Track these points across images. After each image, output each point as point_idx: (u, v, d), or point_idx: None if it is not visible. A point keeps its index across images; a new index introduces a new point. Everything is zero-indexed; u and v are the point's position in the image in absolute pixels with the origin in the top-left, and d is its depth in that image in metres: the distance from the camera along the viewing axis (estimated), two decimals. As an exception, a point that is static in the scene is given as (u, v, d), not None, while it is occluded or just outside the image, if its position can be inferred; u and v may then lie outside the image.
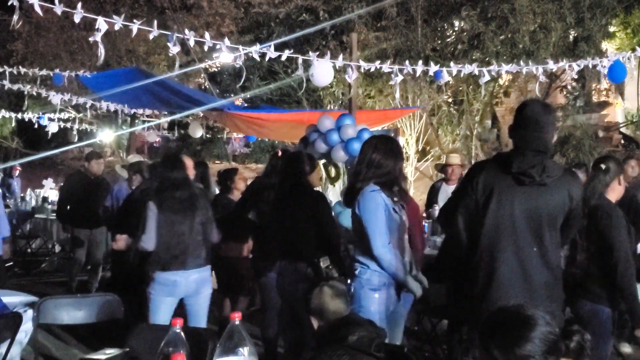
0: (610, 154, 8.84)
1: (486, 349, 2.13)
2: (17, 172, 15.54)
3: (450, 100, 12.96)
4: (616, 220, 3.99)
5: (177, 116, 12.81)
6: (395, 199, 3.96)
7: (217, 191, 10.68)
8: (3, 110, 14.36)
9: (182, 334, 2.42)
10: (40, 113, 14.48)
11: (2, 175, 15.13)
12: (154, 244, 4.79)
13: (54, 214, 11.11)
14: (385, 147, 4.05)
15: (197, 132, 13.77)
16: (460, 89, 12.36)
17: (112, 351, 3.13)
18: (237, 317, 2.39)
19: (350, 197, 4.02)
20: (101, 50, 5.49)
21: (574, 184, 3.34)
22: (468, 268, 3.41)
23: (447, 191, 7.15)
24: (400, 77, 7.50)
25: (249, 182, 6.77)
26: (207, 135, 16.63)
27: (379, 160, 3.96)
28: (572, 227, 3.44)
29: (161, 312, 4.80)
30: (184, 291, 4.88)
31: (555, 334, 2.12)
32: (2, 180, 14.82)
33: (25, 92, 10.77)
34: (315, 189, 5.05)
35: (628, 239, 4.00)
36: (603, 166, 4.16)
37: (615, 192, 4.19)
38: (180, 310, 4.99)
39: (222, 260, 6.14)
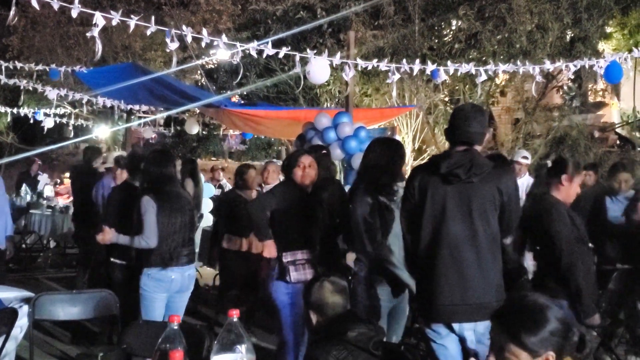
0: (561, 156, 8.94)
1: (495, 332, 2.21)
2: (37, 166, 14.86)
3: (446, 99, 12.96)
4: (556, 214, 4.11)
5: (173, 112, 12.77)
6: (395, 198, 4.02)
7: (212, 187, 10.74)
8: (-1, 105, 14.30)
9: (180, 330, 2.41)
10: (36, 108, 14.40)
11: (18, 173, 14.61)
12: (157, 241, 4.74)
13: (49, 210, 11.09)
14: (381, 148, 4.15)
15: (193, 129, 13.74)
16: (457, 88, 12.36)
17: (108, 347, 3.13)
18: (234, 314, 2.39)
19: (350, 197, 4.11)
20: (98, 46, 5.47)
21: (503, 179, 3.50)
22: (412, 267, 3.69)
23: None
24: (397, 76, 7.50)
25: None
26: (203, 132, 16.58)
27: (375, 162, 4.05)
28: (510, 220, 3.55)
29: (157, 308, 4.80)
30: (178, 287, 4.88)
31: (565, 330, 2.17)
32: (22, 179, 14.28)
33: (21, 87, 10.73)
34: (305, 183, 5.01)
35: (572, 231, 4.10)
36: (549, 165, 4.27)
37: (561, 192, 4.27)
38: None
39: (234, 255, 6.23)
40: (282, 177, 5.78)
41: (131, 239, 4.83)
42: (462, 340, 3.41)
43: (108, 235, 4.92)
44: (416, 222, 3.53)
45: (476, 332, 3.33)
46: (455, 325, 3.39)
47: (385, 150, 4.16)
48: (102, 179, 7.35)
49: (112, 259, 5.37)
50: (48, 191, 12.82)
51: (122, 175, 6.47)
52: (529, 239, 4.35)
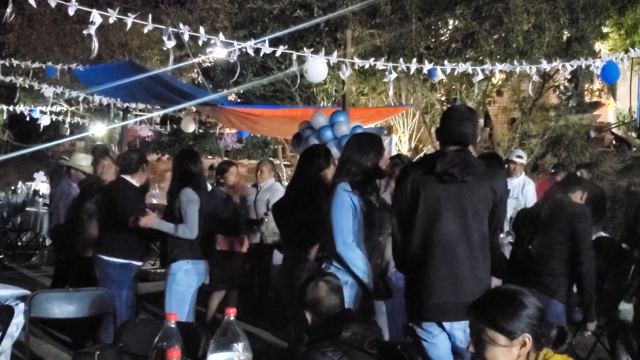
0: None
1: (473, 322, 2.25)
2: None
3: (443, 98, 12.98)
4: (588, 218, 4.35)
5: (169, 110, 12.76)
6: (372, 197, 3.95)
7: (209, 186, 10.72)
8: (-6, 103, 14.26)
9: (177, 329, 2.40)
10: (32, 106, 14.37)
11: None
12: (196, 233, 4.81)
13: (45, 208, 11.07)
14: (358, 144, 4.02)
15: (190, 127, 13.72)
16: (454, 87, 12.38)
17: (104, 346, 3.12)
18: (231, 313, 2.38)
19: (327, 195, 4.01)
20: (95, 44, 5.47)
21: (496, 179, 3.51)
22: (403, 266, 3.63)
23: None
24: (394, 75, 7.49)
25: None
26: (200, 131, 16.56)
27: (352, 158, 3.94)
28: (499, 218, 3.59)
29: (187, 303, 4.87)
30: (204, 278, 5.06)
31: (540, 315, 2.22)
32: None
33: (17, 85, 10.71)
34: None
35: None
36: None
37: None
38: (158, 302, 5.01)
39: (217, 254, 6.20)
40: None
41: (175, 228, 4.82)
42: (451, 339, 3.41)
43: (151, 220, 4.88)
44: (408, 221, 3.50)
45: (466, 332, 3.32)
46: (446, 324, 3.38)
47: (362, 147, 4.03)
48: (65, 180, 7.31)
49: (100, 256, 5.22)
50: (44, 189, 12.82)
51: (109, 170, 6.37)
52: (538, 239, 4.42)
